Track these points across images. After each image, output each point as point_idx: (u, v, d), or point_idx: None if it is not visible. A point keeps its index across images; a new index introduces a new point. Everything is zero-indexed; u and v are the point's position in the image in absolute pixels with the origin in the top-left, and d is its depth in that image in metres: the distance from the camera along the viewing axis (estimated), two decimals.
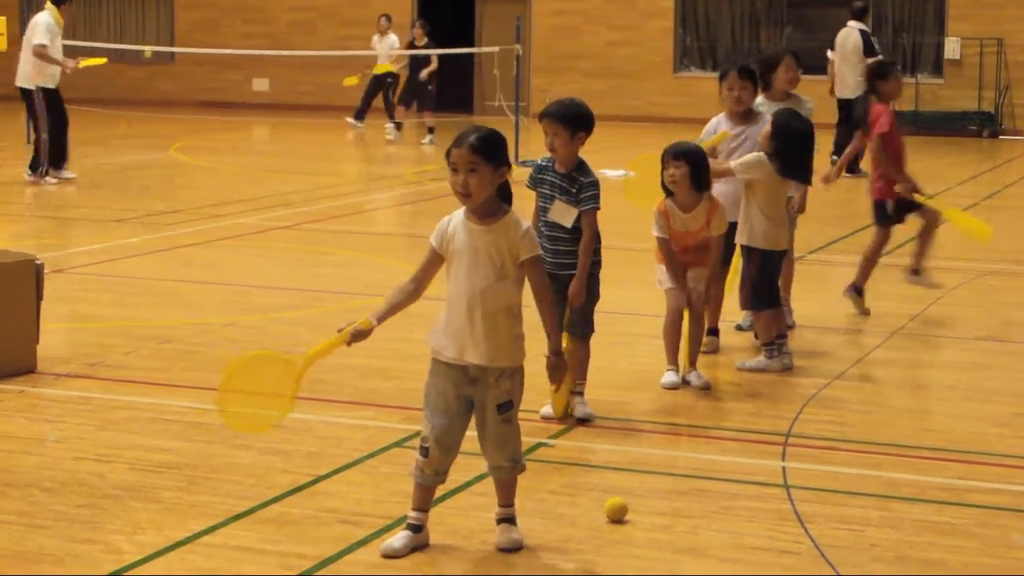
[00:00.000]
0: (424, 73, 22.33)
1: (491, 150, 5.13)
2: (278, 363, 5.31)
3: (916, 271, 9.85)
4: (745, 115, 8.52)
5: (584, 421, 6.95)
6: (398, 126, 22.66)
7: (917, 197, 9.55)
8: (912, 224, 9.86)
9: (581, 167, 6.95)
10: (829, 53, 19.36)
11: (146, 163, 19.78)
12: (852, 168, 18.69)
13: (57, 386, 7.57)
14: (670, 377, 7.70)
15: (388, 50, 23.19)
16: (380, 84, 23.41)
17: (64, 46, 16.86)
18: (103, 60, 18.35)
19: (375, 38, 23.80)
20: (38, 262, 7.96)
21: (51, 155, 16.42)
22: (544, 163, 7.03)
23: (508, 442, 5.29)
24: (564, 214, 6.93)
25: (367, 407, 7.20)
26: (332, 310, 9.65)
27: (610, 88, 27.53)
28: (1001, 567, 5.28)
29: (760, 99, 8.79)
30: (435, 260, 5.27)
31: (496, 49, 23.35)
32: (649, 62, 27.95)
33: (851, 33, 19.15)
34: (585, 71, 28.02)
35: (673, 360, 7.74)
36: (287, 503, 5.76)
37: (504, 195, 5.23)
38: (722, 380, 7.91)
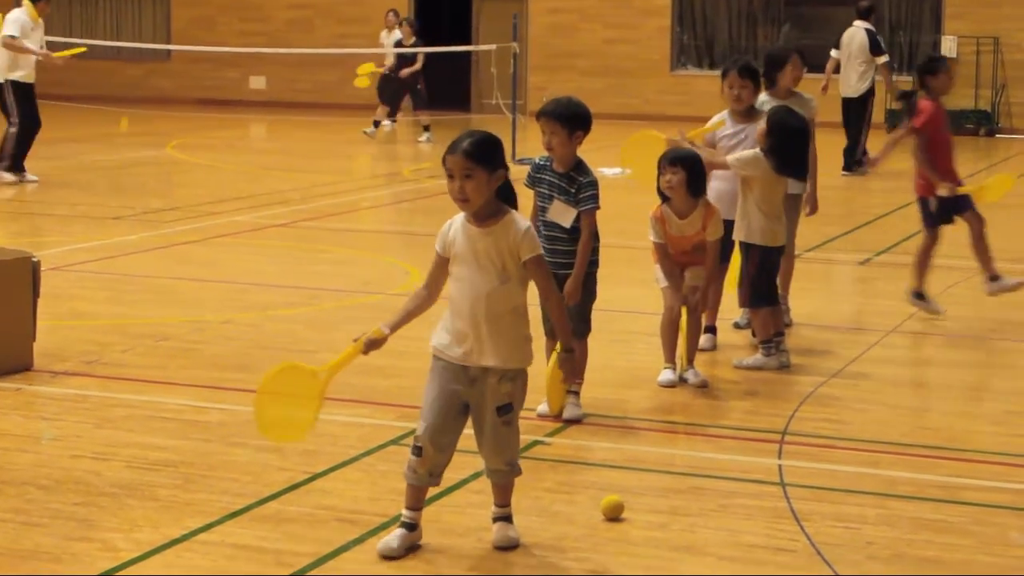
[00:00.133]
0: (405, 72, 22.27)
1: (485, 155, 5.12)
2: (304, 374, 5.34)
3: (994, 277, 9.61)
4: (746, 113, 8.51)
5: (572, 421, 6.94)
6: (376, 124, 22.57)
7: (961, 190, 9.39)
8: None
9: (579, 166, 6.94)
10: (833, 52, 19.35)
11: (143, 160, 19.77)
12: (849, 166, 18.71)
13: (54, 384, 7.56)
14: (667, 375, 7.70)
15: (395, 46, 23.14)
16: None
17: (62, 43, 16.73)
18: (82, 50, 18.17)
19: (383, 33, 23.81)
20: (35, 259, 7.95)
21: (15, 153, 16.23)
22: (542, 162, 7.02)
23: (506, 445, 5.28)
24: (563, 214, 6.93)
25: (363, 404, 7.20)
26: (329, 308, 9.65)
27: (607, 86, 27.51)
28: (998, 565, 5.28)
29: (764, 96, 8.79)
30: (442, 265, 5.28)
31: (493, 47, 23.33)
32: (646, 60, 27.93)
33: (857, 33, 19.13)
34: (582, 69, 28.00)
35: (670, 358, 7.75)
36: (283, 501, 5.76)
37: (507, 195, 5.22)
38: (719, 378, 7.91)
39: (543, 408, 6.95)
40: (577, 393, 7.04)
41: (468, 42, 28.20)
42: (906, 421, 7.23)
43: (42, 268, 8.04)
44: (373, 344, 5.25)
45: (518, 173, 6.98)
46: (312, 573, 5.04)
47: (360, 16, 28.61)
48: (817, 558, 5.27)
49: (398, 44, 22.77)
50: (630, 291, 9.75)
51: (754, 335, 8.40)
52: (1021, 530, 5.66)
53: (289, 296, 10.03)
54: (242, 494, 5.81)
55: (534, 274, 5.20)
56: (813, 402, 7.46)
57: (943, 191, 9.34)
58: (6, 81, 16.24)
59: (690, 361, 7.77)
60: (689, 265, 7.73)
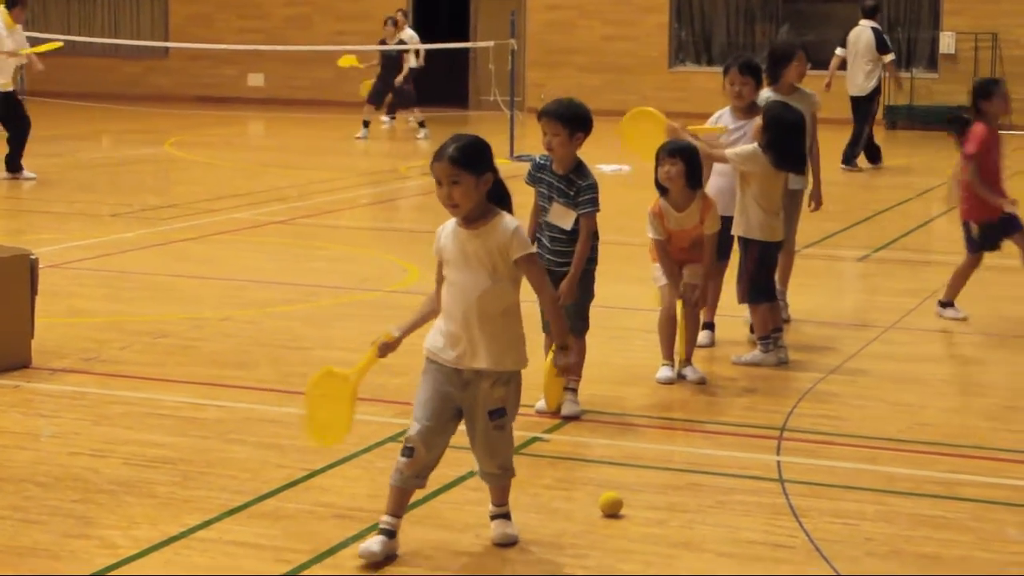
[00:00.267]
0: (399, 79, 22.28)
1: (471, 159, 5.11)
2: (338, 378, 5.37)
3: None
4: (748, 109, 8.52)
5: (570, 418, 6.94)
6: (366, 124, 22.52)
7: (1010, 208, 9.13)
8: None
9: (579, 168, 6.92)
10: (839, 50, 19.33)
11: (141, 158, 19.76)
12: (848, 160, 18.70)
13: (52, 381, 7.56)
14: (665, 372, 7.70)
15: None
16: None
17: (52, 41, 16.68)
18: (58, 45, 18.09)
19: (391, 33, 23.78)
20: (33, 257, 7.95)
21: (10, 155, 16.24)
22: (542, 162, 7.00)
23: (498, 450, 5.26)
24: (562, 217, 6.92)
25: (361, 402, 7.17)
26: (327, 304, 9.65)
27: (605, 83, 27.50)
28: (996, 561, 5.28)
29: (767, 92, 8.79)
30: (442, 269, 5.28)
31: (491, 44, 23.32)
32: (645, 57, 27.92)
33: (863, 31, 19.12)
34: (580, 66, 27.99)
35: (668, 355, 7.75)
36: (282, 498, 5.76)
37: (500, 196, 5.21)
38: (718, 374, 7.91)
39: (541, 404, 6.95)
40: (575, 390, 7.04)
41: (466, 39, 28.19)
42: (904, 417, 7.23)
43: (40, 265, 8.05)
44: (386, 347, 5.27)
45: (517, 170, 6.97)
46: (310, 570, 5.04)
47: (359, 13, 28.60)
48: (815, 554, 5.27)
49: (383, 43, 22.79)
50: (628, 288, 9.75)
51: (752, 331, 8.40)
52: (1019, 526, 5.66)
53: (287, 293, 10.03)
54: (240, 491, 5.81)
55: (526, 272, 5.18)
56: (811, 398, 7.46)
57: (1008, 207, 9.12)
58: None
59: (688, 358, 7.77)
60: (687, 262, 7.73)
